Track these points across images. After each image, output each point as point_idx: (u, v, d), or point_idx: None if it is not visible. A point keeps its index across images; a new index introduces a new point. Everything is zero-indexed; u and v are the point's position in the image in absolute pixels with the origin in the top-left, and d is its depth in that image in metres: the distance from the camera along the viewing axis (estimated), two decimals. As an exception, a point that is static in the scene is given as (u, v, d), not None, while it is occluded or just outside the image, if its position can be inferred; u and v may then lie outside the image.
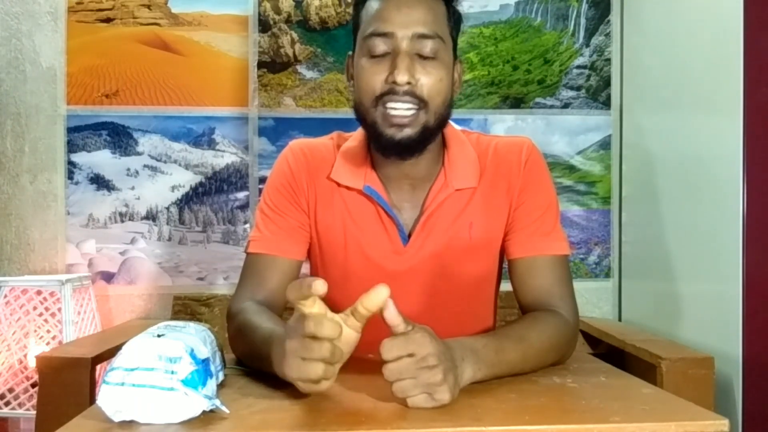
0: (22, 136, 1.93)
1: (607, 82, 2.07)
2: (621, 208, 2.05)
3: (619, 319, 2.05)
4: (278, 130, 1.99)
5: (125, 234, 1.96)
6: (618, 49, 2.06)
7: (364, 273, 1.02)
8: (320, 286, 0.70)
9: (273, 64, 2.00)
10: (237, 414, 0.71)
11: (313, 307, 0.72)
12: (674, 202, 1.72)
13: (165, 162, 1.98)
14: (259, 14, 2.00)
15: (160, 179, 1.98)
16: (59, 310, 1.69)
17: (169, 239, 1.97)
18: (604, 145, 2.07)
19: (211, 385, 0.71)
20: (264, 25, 2.00)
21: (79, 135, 1.95)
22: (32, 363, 1.66)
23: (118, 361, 0.69)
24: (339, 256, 1.04)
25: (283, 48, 2.00)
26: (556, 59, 2.07)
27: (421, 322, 0.75)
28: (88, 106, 1.95)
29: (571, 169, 2.06)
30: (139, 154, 1.97)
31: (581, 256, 2.06)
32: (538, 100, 2.06)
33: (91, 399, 1.37)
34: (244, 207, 1.99)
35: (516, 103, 2.05)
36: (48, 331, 1.71)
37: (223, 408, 0.69)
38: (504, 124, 2.05)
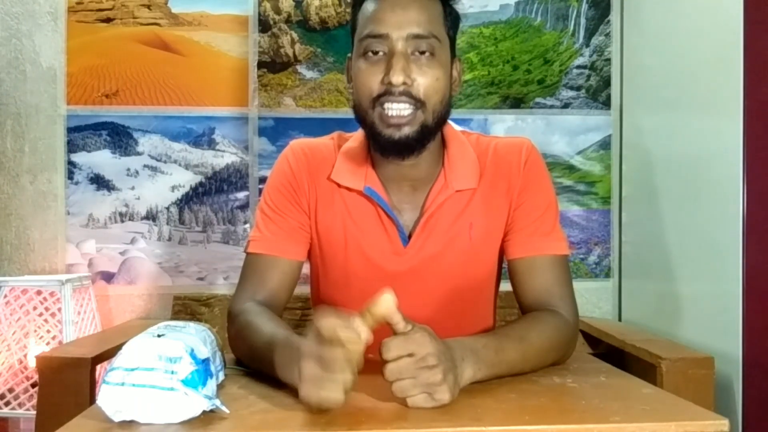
0: (22, 136, 1.93)
1: (607, 82, 2.07)
2: (621, 208, 2.05)
3: (619, 319, 2.05)
4: (278, 130, 1.99)
5: (125, 234, 1.96)
6: (618, 49, 2.06)
7: (365, 274, 1.02)
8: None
9: (273, 64, 2.00)
10: (237, 414, 0.71)
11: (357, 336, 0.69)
12: (674, 202, 1.72)
13: (165, 162, 1.98)
14: (259, 14, 2.00)
15: (160, 179, 1.98)
16: (59, 310, 1.69)
17: (169, 239, 1.97)
18: (604, 145, 2.07)
19: (211, 385, 0.71)
20: (264, 25, 2.00)
21: (79, 135, 1.95)
22: (32, 363, 1.66)
23: (118, 361, 0.69)
24: (339, 256, 1.04)
25: (283, 48, 2.00)
26: (556, 59, 2.07)
27: (421, 322, 0.75)
28: (88, 106, 1.95)
29: (571, 169, 2.06)
30: (139, 154, 1.97)
31: (581, 256, 2.06)
32: (538, 100, 2.06)
33: (91, 399, 1.37)
34: (244, 207, 1.99)
35: (516, 103, 2.05)
36: (48, 331, 1.71)
37: (223, 408, 0.69)
38: (504, 124, 2.05)
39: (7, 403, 1.67)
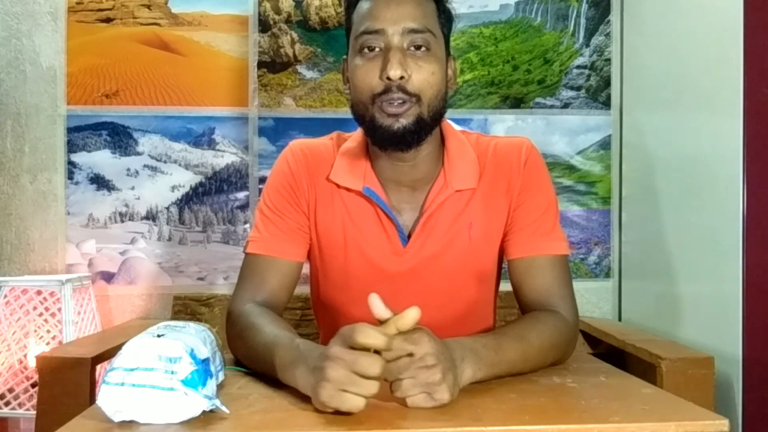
0: (22, 136, 1.93)
1: (607, 82, 2.07)
2: (621, 208, 2.05)
3: (619, 319, 2.05)
4: (278, 130, 1.99)
5: (125, 234, 1.96)
6: (618, 49, 2.06)
7: (364, 274, 1.02)
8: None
9: (273, 64, 2.00)
10: (237, 414, 0.71)
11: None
12: (674, 202, 1.72)
13: (165, 162, 1.98)
14: (259, 14, 2.00)
15: (160, 179, 1.98)
16: (59, 310, 1.69)
17: (169, 239, 1.97)
18: (604, 145, 2.07)
19: (211, 385, 0.71)
20: (264, 25, 2.00)
21: (79, 135, 1.95)
22: (32, 363, 1.66)
23: (118, 361, 0.69)
24: (339, 257, 1.04)
25: (283, 48, 2.00)
26: (556, 59, 2.07)
27: (420, 323, 0.75)
28: (88, 106, 1.95)
29: (571, 169, 2.06)
30: (139, 154, 1.97)
31: (581, 256, 2.06)
32: (538, 100, 2.06)
33: (91, 399, 1.36)
34: (244, 207, 1.99)
35: (516, 103, 2.05)
36: (48, 331, 1.71)
37: (223, 408, 0.69)
38: (504, 124, 2.05)
39: (7, 403, 1.67)
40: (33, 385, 1.66)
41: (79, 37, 1.95)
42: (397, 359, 0.72)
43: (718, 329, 1.50)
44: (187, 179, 1.98)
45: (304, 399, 0.75)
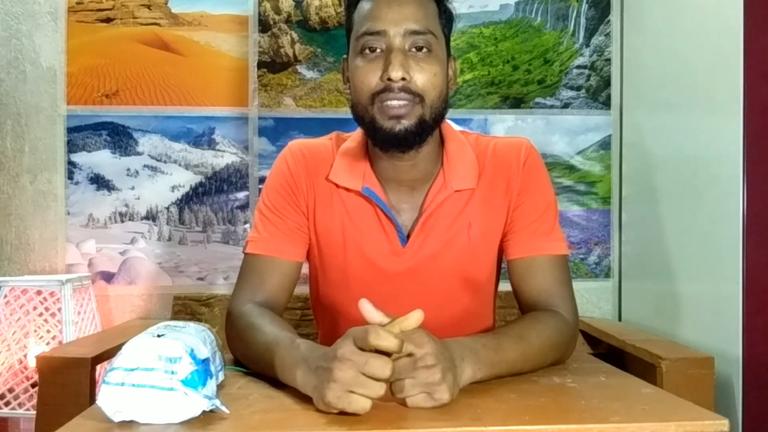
0: (22, 136, 1.93)
1: (607, 82, 2.07)
2: (621, 208, 2.05)
3: (619, 319, 2.05)
4: (278, 130, 1.99)
5: (125, 234, 1.96)
6: (618, 49, 2.06)
7: (363, 274, 1.02)
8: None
9: (273, 64, 2.00)
10: (237, 414, 0.71)
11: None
12: (674, 202, 1.72)
13: (165, 162, 1.98)
14: (259, 14, 2.00)
15: (160, 179, 1.98)
16: (59, 310, 1.69)
17: (169, 239, 1.97)
18: (604, 145, 2.07)
19: (211, 385, 0.71)
20: (264, 25, 2.00)
21: (79, 135, 1.95)
22: (32, 363, 1.66)
23: (118, 361, 0.69)
24: (338, 257, 1.04)
25: (283, 48, 2.00)
26: (556, 59, 2.07)
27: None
28: (88, 106, 1.95)
29: (571, 169, 2.06)
30: (139, 154, 1.97)
31: (581, 256, 2.06)
32: (538, 100, 2.06)
33: (91, 399, 1.36)
34: (244, 207, 1.99)
35: (516, 103, 2.05)
36: (48, 331, 1.71)
37: (223, 408, 0.69)
38: (504, 124, 2.05)
39: (7, 403, 1.67)
40: (33, 385, 1.66)
41: (79, 37, 1.95)
42: (396, 359, 0.72)
43: (718, 329, 1.49)
44: (187, 179, 1.98)
45: (305, 399, 0.74)
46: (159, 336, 0.71)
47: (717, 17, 1.53)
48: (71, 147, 1.95)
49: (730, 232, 1.44)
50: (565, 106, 2.07)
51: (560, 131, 2.06)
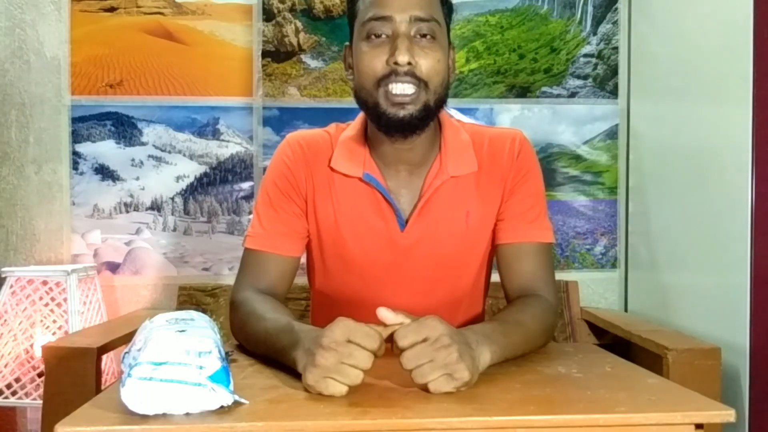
0: (27, 126, 1.93)
1: (614, 71, 2.05)
2: (628, 198, 2.04)
3: (626, 310, 2.04)
4: (283, 120, 1.98)
5: (130, 224, 1.97)
6: (625, 37, 2.04)
7: (362, 260, 1.05)
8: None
9: (277, 54, 1.99)
10: (242, 404, 0.71)
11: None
12: (682, 192, 1.71)
13: (169, 152, 1.98)
14: (264, 3, 1.99)
15: (165, 169, 1.98)
16: (65, 300, 1.70)
17: (174, 229, 1.98)
18: (611, 134, 2.05)
19: (231, 379, 0.71)
20: (268, 14, 1.99)
21: (84, 125, 1.95)
22: (38, 353, 1.67)
23: (144, 355, 0.67)
24: (338, 244, 1.06)
25: (287, 37, 1.99)
26: (562, 48, 2.05)
27: (416, 306, 0.79)
28: (92, 96, 1.95)
29: (578, 158, 2.05)
30: (143, 144, 1.97)
31: (587, 247, 2.05)
32: (544, 89, 2.04)
33: (97, 388, 1.37)
34: (248, 197, 1.99)
35: (522, 92, 2.04)
36: (54, 321, 1.71)
37: (243, 400, 0.70)
38: (510, 114, 2.04)
39: (14, 393, 1.68)
40: (39, 375, 1.67)
41: (83, 26, 1.95)
42: (413, 346, 0.73)
43: (725, 320, 1.49)
44: (191, 169, 1.98)
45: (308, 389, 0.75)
46: (181, 332, 0.71)
47: (726, 5, 1.51)
48: (76, 137, 1.95)
49: (738, 223, 1.43)
50: (572, 95, 2.05)
51: (567, 120, 2.05)
